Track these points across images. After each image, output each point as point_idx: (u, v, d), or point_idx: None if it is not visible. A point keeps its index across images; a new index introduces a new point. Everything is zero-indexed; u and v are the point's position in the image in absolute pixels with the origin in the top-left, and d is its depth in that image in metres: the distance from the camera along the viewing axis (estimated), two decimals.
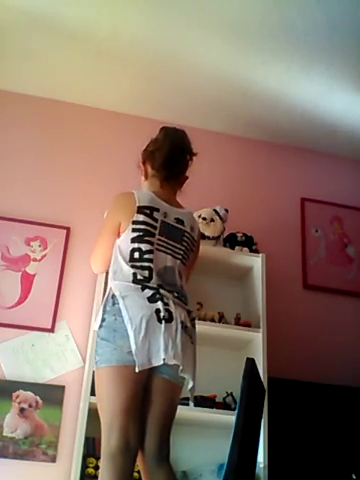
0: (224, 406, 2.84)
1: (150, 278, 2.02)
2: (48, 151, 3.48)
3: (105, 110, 3.65)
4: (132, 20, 2.96)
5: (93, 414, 2.56)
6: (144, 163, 2.31)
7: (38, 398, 2.86)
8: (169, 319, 1.93)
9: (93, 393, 2.62)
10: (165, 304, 1.95)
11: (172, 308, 1.96)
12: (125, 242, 2.08)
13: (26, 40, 3.13)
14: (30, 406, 2.84)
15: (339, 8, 2.81)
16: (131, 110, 3.66)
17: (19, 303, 3.06)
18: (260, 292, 2.99)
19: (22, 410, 2.83)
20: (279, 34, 2.98)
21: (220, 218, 3.14)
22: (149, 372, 1.91)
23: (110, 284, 2.04)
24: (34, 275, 3.14)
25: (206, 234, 3.08)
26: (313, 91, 3.38)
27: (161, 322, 1.91)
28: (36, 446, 2.79)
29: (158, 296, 1.96)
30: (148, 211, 2.12)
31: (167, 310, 1.94)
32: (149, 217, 2.11)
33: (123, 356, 1.86)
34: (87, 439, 2.61)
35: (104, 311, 1.96)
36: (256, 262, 3.10)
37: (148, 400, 1.94)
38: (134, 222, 2.09)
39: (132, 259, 2.04)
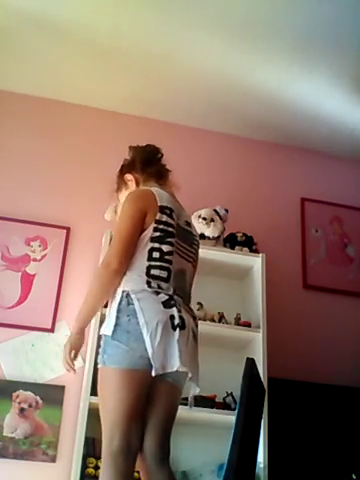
0: (224, 406, 2.84)
1: (168, 279, 1.98)
2: (48, 151, 3.48)
3: (105, 110, 3.65)
4: (132, 20, 2.95)
5: (93, 414, 2.55)
6: (130, 173, 2.25)
7: (38, 398, 2.86)
8: (182, 326, 1.91)
9: (93, 393, 2.63)
10: (178, 311, 1.93)
11: (184, 315, 1.95)
12: (144, 240, 2.00)
13: (26, 40, 3.13)
14: (30, 406, 2.84)
15: (339, 8, 2.81)
16: (131, 110, 3.66)
17: (19, 303, 3.06)
18: (260, 292, 2.99)
19: (22, 410, 2.83)
20: (279, 34, 2.98)
21: (220, 218, 3.14)
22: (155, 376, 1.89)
23: (123, 281, 1.95)
24: (34, 275, 3.14)
25: (206, 234, 3.08)
26: (313, 91, 3.38)
27: (175, 329, 1.89)
28: (36, 446, 2.79)
29: (172, 302, 1.94)
30: (168, 211, 2.05)
31: (180, 317, 1.92)
32: (170, 218, 2.05)
33: (134, 360, 1.84)
34: (87, 439, 2.61)
35: (118, 310, 1.90)
36: (256, 262, 3.10)
37: (151, 402, 1.93)
38: (157, 221, 2.01)
39: (150, 258, 1.99)
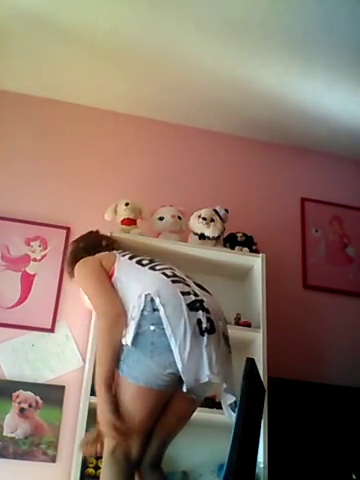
0: None
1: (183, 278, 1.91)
2: (48, 151, 3.48)
3: (105, 110, 3.65)
4: (132, 20, 2.95)
5: (93, 414, 2.56)
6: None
7: (38, 398, 2.86)
8: (211, 330, 1.77)
9: (93, 393, 2.62)
10: (207, 312, 1.80)
11: (212, 316, 1.81)
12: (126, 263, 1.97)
13: (26, 40, 3.13)
14: (30, 406, 2.84)
15: (338, 8, 2.81)
16: (131, 110, 3.66)
17: (19, 303, 3.06)
18: (260, 292, 2.99)
19: (22, 410, 2.83)
20: (279, 34, 2.98)
21: (220, 218, 3.14)
22: (174, 390, 1.77)
23: (144, 286, 1.82)
24: (34, 275, 3.14)
25: (206, 234, 3.08)
26: (313, 91, 3.37)
27: (203, 334, 1.74)
28: (36, 446, 2.79)
29: (198, 304, 1.79)
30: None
31: (209, 319, 1.79)
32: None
33: (155, 377, 1.71)
34: None
35: (141, 316, 1.74)
36: (256, 262, 3.10)
37: (166, 416, 1.85)
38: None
39: (146, 264, 1.92)
